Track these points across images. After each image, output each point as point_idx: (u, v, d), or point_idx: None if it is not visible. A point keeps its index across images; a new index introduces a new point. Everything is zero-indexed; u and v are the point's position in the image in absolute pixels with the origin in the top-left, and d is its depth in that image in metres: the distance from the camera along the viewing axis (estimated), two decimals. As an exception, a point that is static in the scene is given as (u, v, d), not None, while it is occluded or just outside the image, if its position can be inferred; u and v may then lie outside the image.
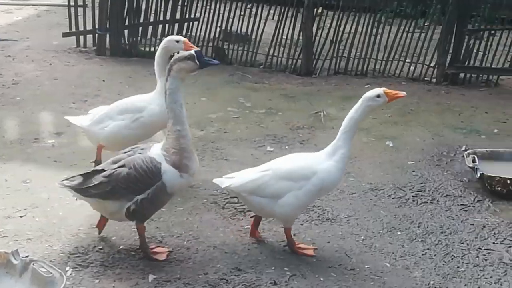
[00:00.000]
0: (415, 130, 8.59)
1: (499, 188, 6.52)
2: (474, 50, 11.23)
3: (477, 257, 5.38)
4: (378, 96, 5.11)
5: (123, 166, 4.98)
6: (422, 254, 5.39)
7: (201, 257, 5.15)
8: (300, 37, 11.61)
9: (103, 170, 5.03)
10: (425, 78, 11.28)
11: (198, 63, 4.91)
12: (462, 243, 5.62)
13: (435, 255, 5.38)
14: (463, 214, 6.18)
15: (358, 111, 5.16)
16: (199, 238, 5.45)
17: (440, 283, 4.98)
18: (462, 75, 11.24)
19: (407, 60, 11.49)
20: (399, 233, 5.76)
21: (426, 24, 12.23)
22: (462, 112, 9.49)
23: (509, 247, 5.57)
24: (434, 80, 11.17)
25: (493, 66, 11.29)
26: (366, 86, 10.84)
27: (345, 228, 5.70)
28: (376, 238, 5.65)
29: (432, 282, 4.98)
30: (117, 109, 6.44)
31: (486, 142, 8.15)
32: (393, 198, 6.44)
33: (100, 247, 5.22)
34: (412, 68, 11.41)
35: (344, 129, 5.17)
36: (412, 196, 6.53)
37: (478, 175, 6.69)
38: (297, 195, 5.09)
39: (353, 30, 11.57)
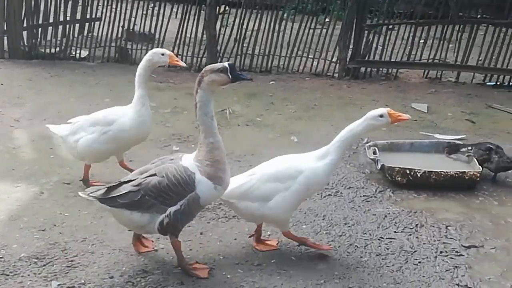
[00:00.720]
0: (318, 125, 8.75)
1: (399, 178, 6.73)
2: (374, 45, 11.54)
3: (379, 246, 5.53)
4: (381, 116, 5.08)
5: (154, 175, 4.78)
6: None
7: (106, 261, 5.07)
8: (204, 35, 11.62)
9: (130, 180, 4.82)
10: (328, 73, 11.52)
11: (230, 76, 4.72)
12: (365, 233, 5.76)
13: (339, 247, 5.50)
14: (365, 205, 6.34)
15: (359, 127, 5.14)
16: (104, 241, 5.37)
17: (344, 274, 5.08)
18: (363, 69, 11.54)
19: (310, 56, 11.71)
20: (304, 226, 5.84)
21: (327, 20, 12.48)
22: (364, 106, 9.73)
23: (410, 235, 5.75)
24: (336, 75, 11.42)
25: (392, 60, 11.65)
26: (271, 82, 10.99)
27: (251, 225, 5.73)
28: (282, 232, 5.72)
29: (336, 273, 5.08)
30: (90, 121, 6.28)
31: (387, 134, 8.40)
32: (298, 192, 6.52)
33: (0, 256, 5.05)
34: (315, 63, 11.62)
35: (340, 138, 5.15)
36: (317, 190, 6.64)
37: (379, 166, 6.89)
38: (285, 197, 5.08)
39: (256, 28, 11.67)
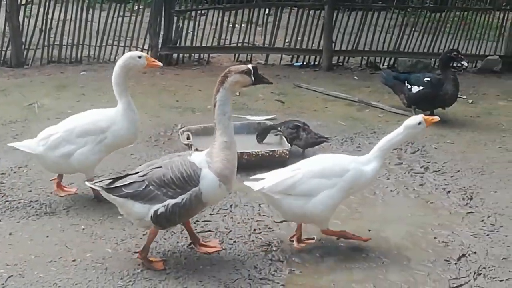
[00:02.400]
0: (132, 113, 8.64)
1: (212, 161, 6.82)
2: (184, 31, 11.59)
3: (196, 229, 5.59)
4: (420, 123, 5.30)
5: (160, 167, 4.88)
6: (144, 235, 5.47)
7: None
8: (7, 27, 11.07)
9: (137, 173, 4.92)
10: (140, 61, 11.39)
11: (253, 78, 4.84)
12: (182, 218, 5.80)
13: (155, 234, 5.50)
14: (181, 190, 6.35)
15: (398, 136, 5.32)
16: None
17: (161, 260, 5.10)
18: (175, 55, 11.56)
19: (121, 45, 11.52)
20: (119, 217, 5.76)
21: (137, 7, 12.35)
22: (177, 92, 9.79)
23: (225, 216, 5.88)
24: (149, 62, 11.32)
25: (203, 45, 11.77)
26: (82, 73, 10.71)
27: (64, 220, 5.60)
28: (97, 225, 5.62)
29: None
30: (76, 132, 5.86)
31: (200, 118, 8.49)
32: (113, 183, 6.43)
33: None
34: (126, 52, 11.43)
35: (381, 148, 5.30)
36: (132, 179, 6.58)
37: (193, 150, 6.94)
38: (331, 193, 5.16)
39: (63, 17, 11.29)
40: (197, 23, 11.73)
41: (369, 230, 5.74)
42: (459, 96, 9.11)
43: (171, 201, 4.81)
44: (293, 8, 12.16)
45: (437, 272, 5.10)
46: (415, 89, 8.84)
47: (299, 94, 10.03)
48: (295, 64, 11.87)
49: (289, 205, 5.17)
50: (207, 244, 5.29)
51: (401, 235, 5.69)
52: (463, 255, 5.35)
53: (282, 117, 8.55)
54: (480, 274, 5.10)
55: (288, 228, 5.71)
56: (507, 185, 6.82)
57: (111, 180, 4.92)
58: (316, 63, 11.83)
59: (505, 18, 12.34)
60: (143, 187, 4.82)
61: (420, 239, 5.63)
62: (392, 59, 12.05)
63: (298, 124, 7.39)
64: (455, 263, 5.23)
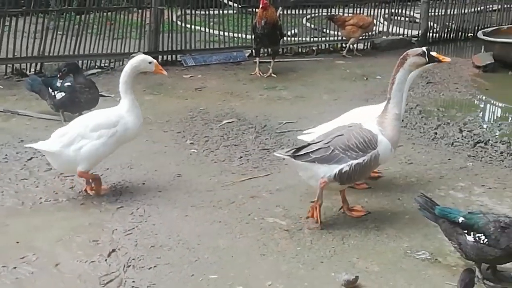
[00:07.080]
0: None
1: None
2: None
3: None
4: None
5: (341, 135, 5.67)
6: None
7: None
8: None
9: (317, 143, 5.70)
10: None
11: (427, 58, 5.66)
12: None
13: None
14: None
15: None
16: None
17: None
18: None
19: None
20: None
21: None
22: None
23: None
24: None
25: None
26: None
27: None
28: None
29: None
30: (91, 126, 6.24)
31: None
32: None
33: None
34: None
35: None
36: None
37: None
38: None
39: None
40: None
41: (18, 242, 5.56)
42: (101, 94, 9.28)
43: (354, 162, 5.61)
44: None
45: (87, 271, 5.12)
46: (59, 94, 8.80)
47: None
48: None
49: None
50: (354, 209, 6.12)
51: (53, 240, 5.61)
52: (113, 250, 5.45)
53: None
54: (130, 265, 5.22)
55: None
56: (154, 175, 7.10)
57: (295, 149, 5.68)
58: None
59: (144, 16, 12.80)
60: (329, 152, 5.61)
61: (70, 242, 5.59)
62: (39, 64, 11.77)
63: None
64: (105, 260, 5.30)
